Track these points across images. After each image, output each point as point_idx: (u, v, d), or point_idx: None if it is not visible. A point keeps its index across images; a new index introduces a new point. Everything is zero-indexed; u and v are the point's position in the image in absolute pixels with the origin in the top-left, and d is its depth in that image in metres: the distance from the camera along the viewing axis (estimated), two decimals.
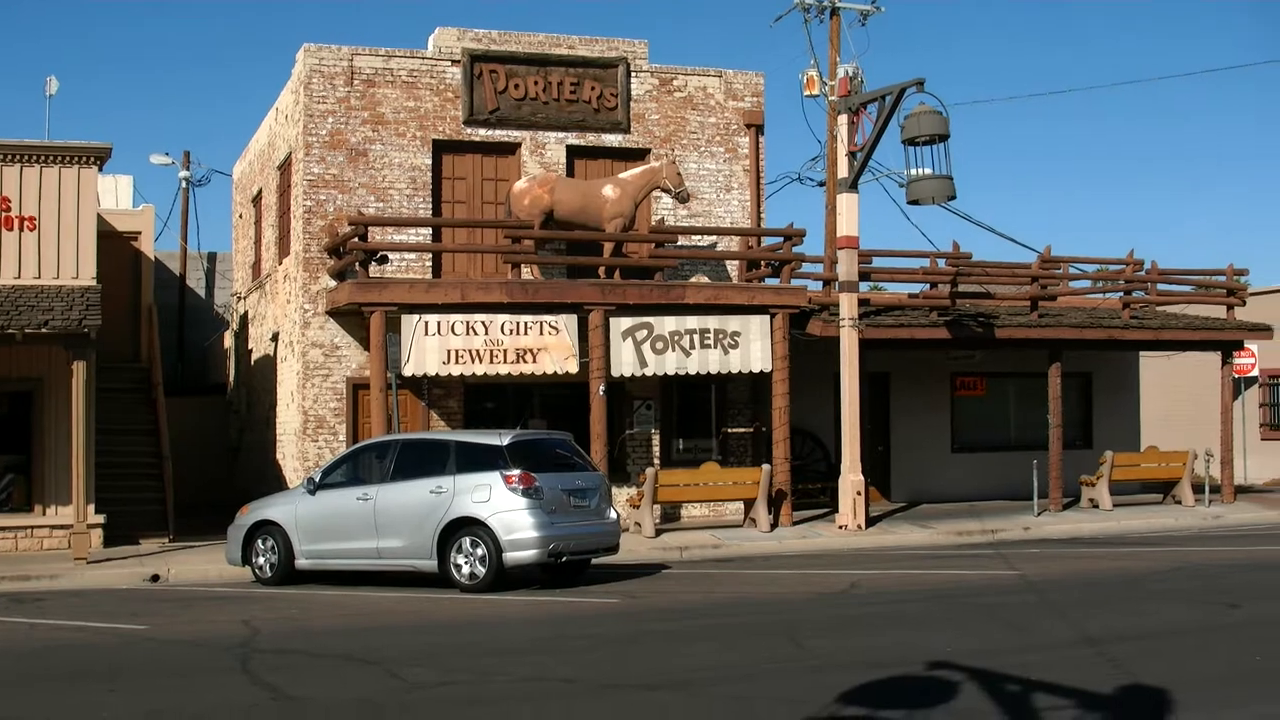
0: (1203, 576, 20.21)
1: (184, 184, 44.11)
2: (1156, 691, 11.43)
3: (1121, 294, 33.03)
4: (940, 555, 24.10)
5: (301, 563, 20.82)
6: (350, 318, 26.65)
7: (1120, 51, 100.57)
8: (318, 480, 21.07)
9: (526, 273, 26.97)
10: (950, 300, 30.13)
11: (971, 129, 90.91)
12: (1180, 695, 11.24)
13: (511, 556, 19.25)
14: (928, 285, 31.10)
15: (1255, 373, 38.58)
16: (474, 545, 19.32)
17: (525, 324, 25.49)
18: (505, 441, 19.95)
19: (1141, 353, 35.99)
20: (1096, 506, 30.74)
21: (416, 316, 24.92)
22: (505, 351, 25.34)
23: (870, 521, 27.52)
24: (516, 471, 19.45)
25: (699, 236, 29.14)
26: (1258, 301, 37.24)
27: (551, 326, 25.63)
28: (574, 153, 29.04)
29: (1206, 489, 31.68)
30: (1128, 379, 36.27)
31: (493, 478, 19.49)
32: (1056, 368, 30.61)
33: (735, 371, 27.23)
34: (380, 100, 27.69)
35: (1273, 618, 15.95)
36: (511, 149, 28.62)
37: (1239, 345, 33.86)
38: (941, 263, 30.68)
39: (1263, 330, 33.46)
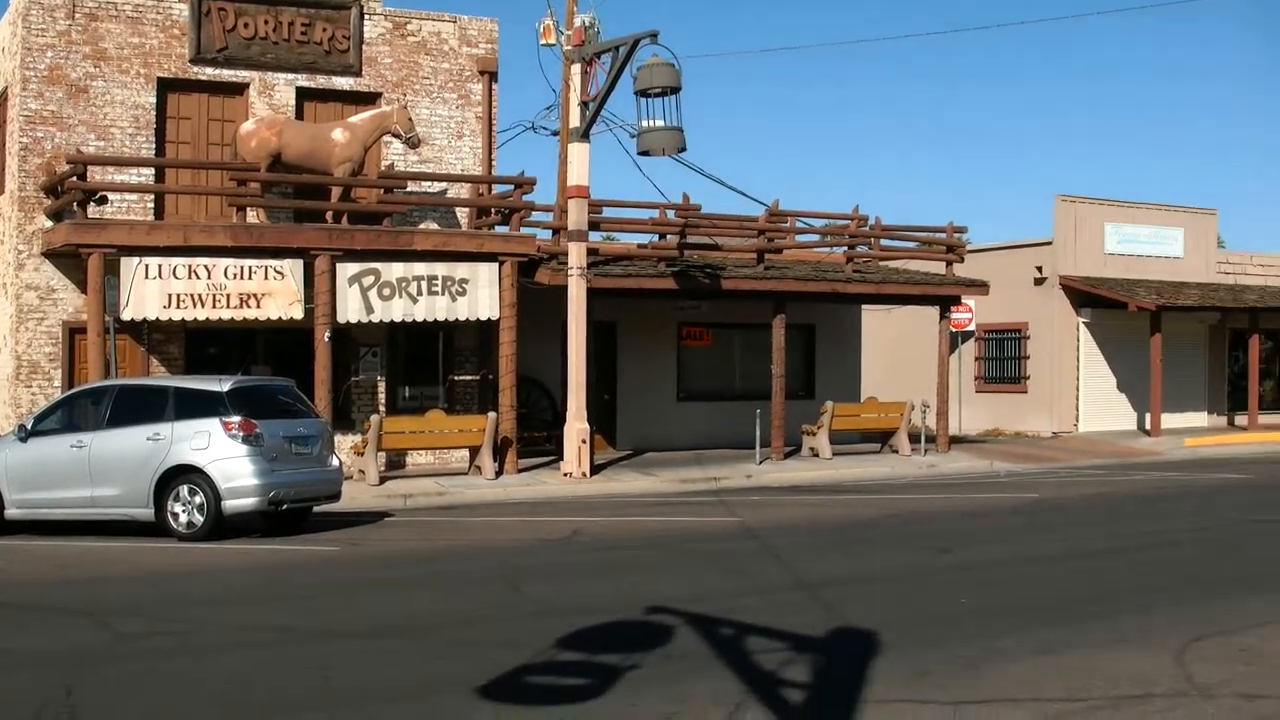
0: (915, 523, 20.88)
1: None
2: (866, 633, 11.77)
3: (846, 249, 33.80)
4: (664, 503, 24.42)
5: (12, 513, 20.12)
6: (67, 260, 25.80)
7: (858, 12, 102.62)
8: (30, 427, 20.40)
9: (252, 216, 26.48)
10: (679, 251, 30.49)
11: (707, 85, 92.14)
12: (887, 636, 11.60)
13: (231, 504, 18.95)
14: (657, 236, 31.42)
15: (972, 327, 39.86)
16: (192, 493, 18.96)
17: (249, 268, 25.00)
18: (225, 388, 19.59)
19: (864, 306, 36.91)
20: (817, 455, 31.48)
21: (137, 259, 24.24)
22: (229, 296, 24.83)
23: (595, 469, 27.74)
24: (236, 418, 19.12)
25: (429, 183, 28.92)
26: (976, 259, 38.60)
27: (276, 271, 25.19)
28: (304, 95, 28.53)
29: (923, 439, 32.72)
30: (850, 332, 37.17)
31: (212, 424, 19.13)
32: (781, 319, 31.17)
33: (463, 319, 27.11)
34: (103, 35, 26.79)
35: (978, 562, 16.53)
36: (240, 89, 27.99)
37: (957, 300, 34.97)
38: (671, 214, 30.97)
39: (979, 286, 34.59)
